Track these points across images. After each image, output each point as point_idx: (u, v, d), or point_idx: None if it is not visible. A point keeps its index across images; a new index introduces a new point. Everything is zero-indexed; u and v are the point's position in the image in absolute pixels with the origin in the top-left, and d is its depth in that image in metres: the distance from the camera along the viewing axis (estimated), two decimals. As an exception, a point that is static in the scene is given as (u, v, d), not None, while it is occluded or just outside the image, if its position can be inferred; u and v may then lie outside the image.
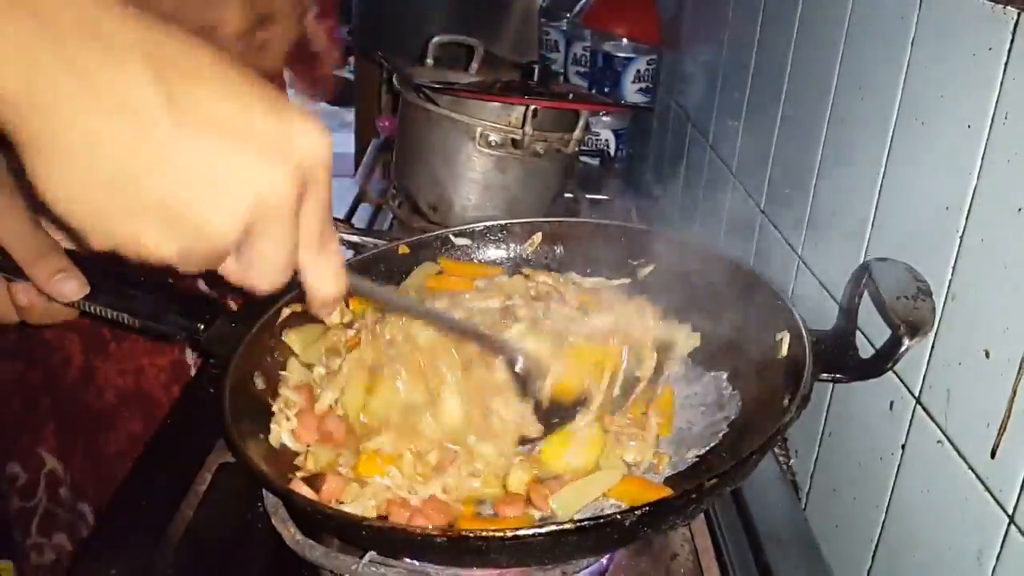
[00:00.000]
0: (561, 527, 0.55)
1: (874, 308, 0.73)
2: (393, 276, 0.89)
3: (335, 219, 1.12)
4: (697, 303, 0.86)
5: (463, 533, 0.57)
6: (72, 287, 0.67)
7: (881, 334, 0.72)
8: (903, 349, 0.65)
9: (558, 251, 0.91)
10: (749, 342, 0.79)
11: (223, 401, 0.68)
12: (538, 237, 0.92)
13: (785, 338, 0.74)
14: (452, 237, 0.91)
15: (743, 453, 0.63)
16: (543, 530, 0.55)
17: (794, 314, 0.74)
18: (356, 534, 0.61)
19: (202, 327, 0.73)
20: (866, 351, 0.74)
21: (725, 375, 0.81)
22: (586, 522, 0.56)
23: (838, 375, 0.71)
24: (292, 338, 0.79)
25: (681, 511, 0.62)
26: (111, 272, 0.72)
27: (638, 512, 0.56)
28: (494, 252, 0.93)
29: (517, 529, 0.55)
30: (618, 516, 0.56)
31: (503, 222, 0.93)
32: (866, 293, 0.74)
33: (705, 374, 0.83)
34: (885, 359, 0.67)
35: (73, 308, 0.69)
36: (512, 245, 0.93)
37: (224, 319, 0.74)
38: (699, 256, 0.86)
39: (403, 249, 0.90)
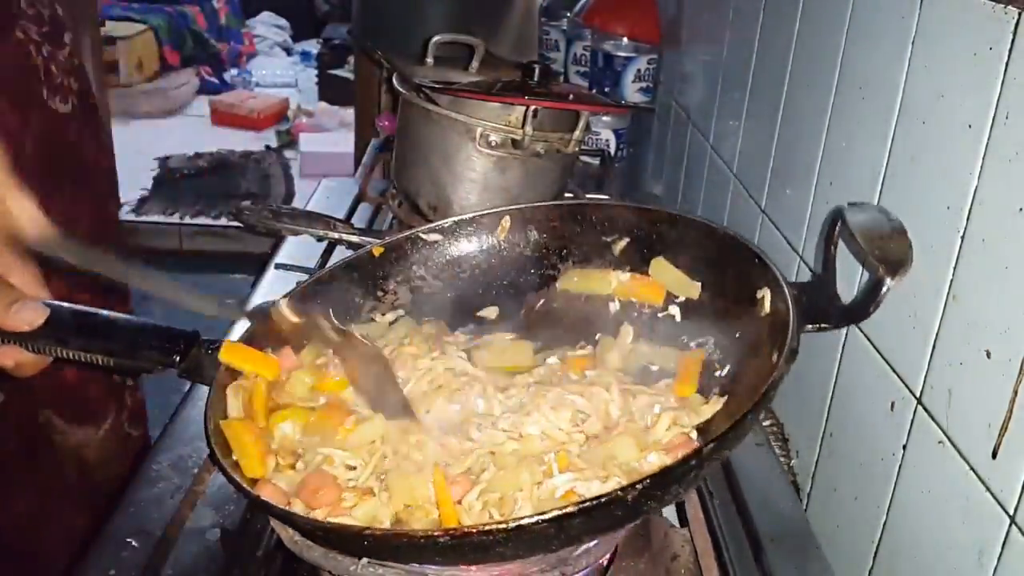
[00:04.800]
0: (563, 511, 0.54)
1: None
2: (367, 281, 0.87)
3: (335, 219, 1.12)
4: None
5: (466, 530, 0.57)
6: (31, 314, 0.67)
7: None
8: (885, 289, 0.64)
9: (532, 236, 0.90)
10: (731, 305, 0.77)
11: (207, 430, 0.67)
12: (507, 222, 0.90)
13: (766, 295, 0.72)
14: (422, 235, 0.90)
15: (736, 415, 0.61)
16: (545, 517, 0.54)
17: (771, 268, 0.72)
18: (358, 544, 0.60)
19: (178, 358, 0.72)
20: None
21: (712, 341, 0.79)
22: (589, 503, 0.55)
23: (823, 324, 0.69)
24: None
25: (682, 479, 0.60)
26: (81, 315, 0.72)
27: (639, 486, 0.55)
28: (466, 246, 0.91)
29: (520, 519, 0.54)
30: (619, 492, 0.55)
31: (471, 215, 0.91)
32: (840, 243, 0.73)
33: (691, 341, 0.81)
34: (868, 302, 0.66)
35: (48, 356, 0.69)
36: (484, 236, 0.91)
37: (200, 348, 0.73)
38: (672, 224, 0.84)
39: (377, 250, 0.88)
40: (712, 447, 0.58)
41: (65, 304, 0.71)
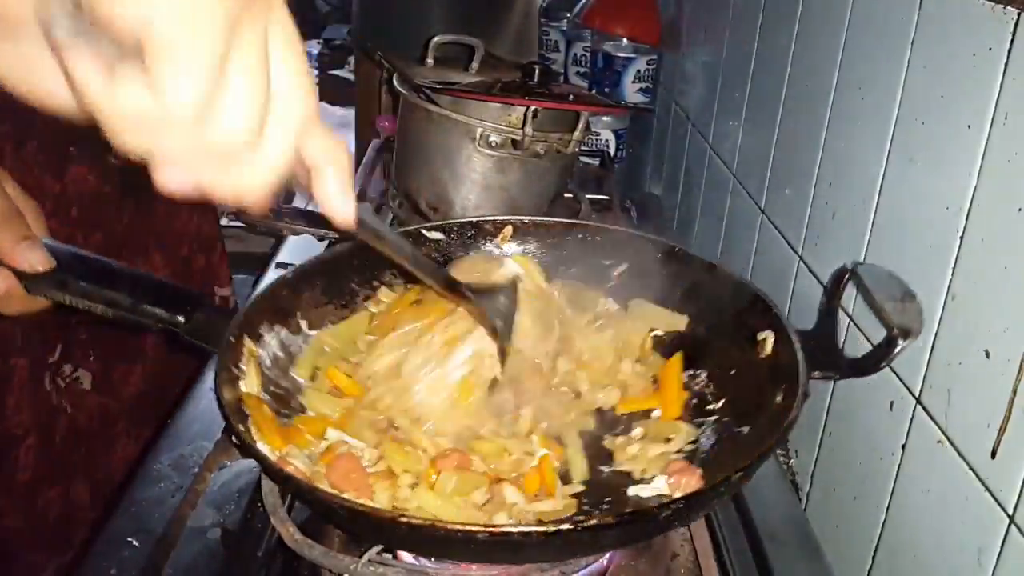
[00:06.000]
0: (603, 522, 0.56)
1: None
2: (365, 269, 0.88)
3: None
4: (671, 304, 0.87)
5: (506, 530, 0.57)
6: (38, 257, 0.65)
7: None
8: (897, 350, 0.66)
9: (530, 248, 0.92)
10: (727, 342, 0.80)
11: (221, 401, 0.66)
12: (509, 231, 0.92)
13: (769, 337, 0.75)
14: (424, 232, 0.91)
15: (756, 449, 0.64)
16: (587, 525, 0.55)
17: (778, 314, 0.75)
18: (392, 533, 0.60)
19: (182, 319, 0.70)
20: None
21: (704, 374, 0.82)
22: (625, 516, 0.58)
23: (830, 372, 0.72)
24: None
25: (708, 504, 0.64)
26: (86, 261, 0.69)
27: (672, 506, 0.58)
28: (465, 248, 0.92)
29: (560, 524, 0.56)
30: (654, 509, 0.58)
31: (475, 218, 0.94)
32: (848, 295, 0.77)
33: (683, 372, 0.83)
34: (880, 358, 0.68)
35: (49, 300, 0.66)
36: (482, 241, 0.93)
37: (205, 311, 0.71)
38: (673, 257, 0.87)
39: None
40: (740, 475, 0.60)
41: (71, 247, 0.68)
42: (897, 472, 0.71)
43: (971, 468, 0.61)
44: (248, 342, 0.74)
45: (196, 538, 0.74)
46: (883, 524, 0.73)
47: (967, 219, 0.63)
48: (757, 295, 0.78)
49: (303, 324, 0.82)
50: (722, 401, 0.78)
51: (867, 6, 0.81)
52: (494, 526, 0.60)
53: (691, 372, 0.82)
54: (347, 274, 0.87)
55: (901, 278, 0.72)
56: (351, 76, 3.45)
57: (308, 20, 5.70)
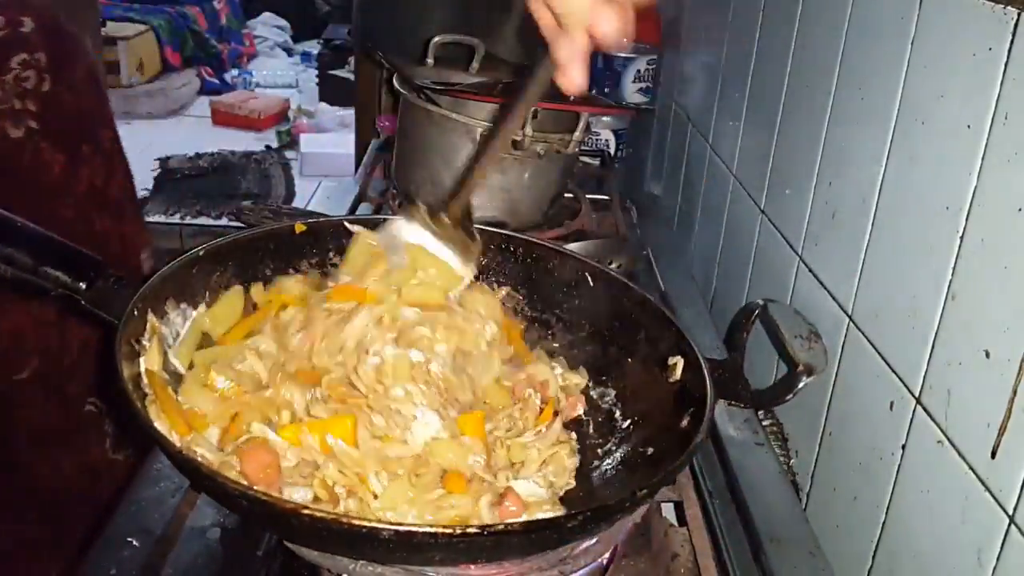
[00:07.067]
0: (510, 527, 0.58)
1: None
2: (283, 254, 0.87)
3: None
4: (586, 320, 0.88)
5: (411, 529, 0.56)
6: None
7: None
8: (801, 385, 0.71)
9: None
10: (638, 362, 0.82)
11: (122, 376, 0.64)
12: None
13: (679, 363, 0.76)
14: (347, 224, 0.90)
15: (662, 467, 0.67)
16: (493, 530, 0.57)
17: (690, 340, 0.77)
18: (297, 528, 0.59)
19: (84, 286, 0.67)
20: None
21: (613, 392, 0.84)
22: (532, 524, 0.61)
23: (734, 402, 0.76)
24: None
25: (612, 518, 0.65)
26: None
27: (579, 517, 0.59)
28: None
29: (466, 527, 0.56)
30: (560, 519, 0.61)
31: (399, 217, 0.92)
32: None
33: (591, 389, 0.85)
34: (784, 391, 0.73)
35: None
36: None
37: (108, 280, 0.69)
38: (591, 275, 0.88)
39: (299, 227, 0.88)
40: (644, 492, 0.62)
41: None
42: (897, 472, 0.71)
43: (971, 468, 0.61)
44: (152, 317, 0.72)
45: (196, 538, 0.74)
46: (883, 524, 0.73)
47: (967, 219, 0.63)
48: (671, 320, 0.80)
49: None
50: (629, 420, 0.80)
51: (867, 6, 0.81)
52: (399, 525, 0.59)
53: (600, 390, 0.84)
54: (262, 259, 0.85)
55: (807, 317, 0.77)
56: (351, 76, 3.44)
57: (308, 20, 5.71)
